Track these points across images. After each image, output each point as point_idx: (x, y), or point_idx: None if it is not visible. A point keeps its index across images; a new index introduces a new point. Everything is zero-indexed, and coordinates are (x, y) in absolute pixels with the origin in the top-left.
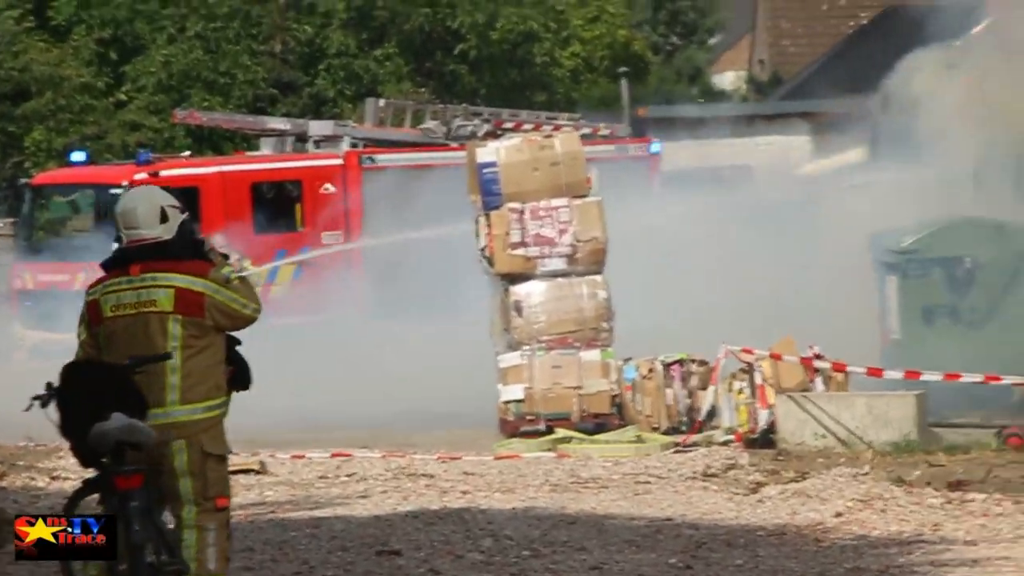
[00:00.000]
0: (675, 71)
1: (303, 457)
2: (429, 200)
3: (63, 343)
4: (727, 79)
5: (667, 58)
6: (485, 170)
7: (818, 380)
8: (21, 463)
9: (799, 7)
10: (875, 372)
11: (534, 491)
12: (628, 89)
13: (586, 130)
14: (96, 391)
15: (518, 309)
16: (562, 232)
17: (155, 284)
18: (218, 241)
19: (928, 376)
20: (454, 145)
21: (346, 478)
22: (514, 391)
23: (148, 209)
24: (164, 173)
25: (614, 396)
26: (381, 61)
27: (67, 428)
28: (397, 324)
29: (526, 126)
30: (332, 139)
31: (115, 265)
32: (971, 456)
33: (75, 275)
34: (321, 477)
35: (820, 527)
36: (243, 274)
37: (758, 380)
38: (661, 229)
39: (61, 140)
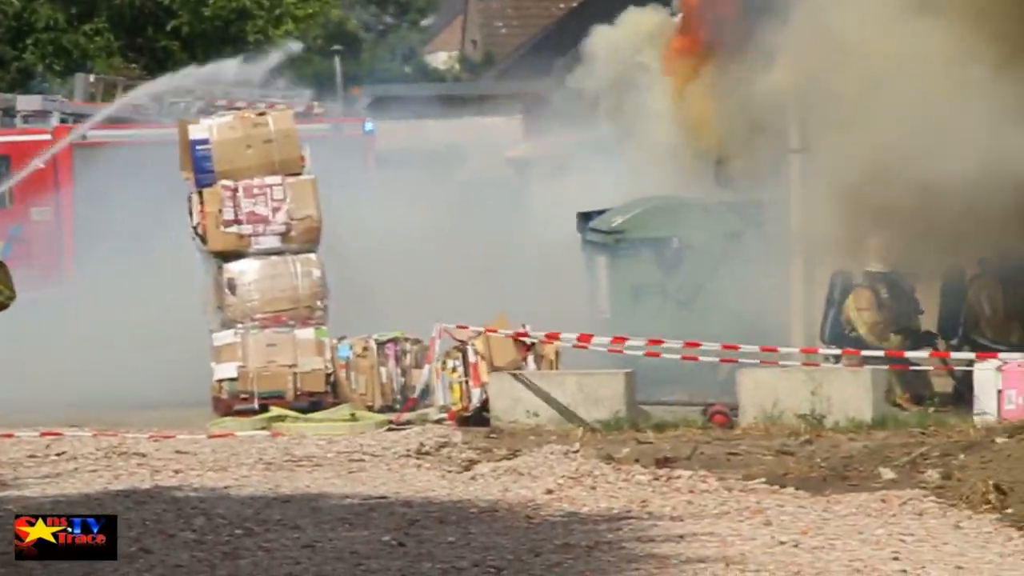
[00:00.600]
0: (389, 50)
1: (11, 436)
2: (141, 177)
3: None
4: (440, 59)
5: (380, 37)
6: (198, 147)
7: (530, 359)
8: None
9: None
10: (584, 337)
11: (247, 470)
12: (341, 68)
13: (300, 108)
14: None
15: (231, 287)
16: (276, 210)
17: None
18: None
19: (633, 345)
20: (167, 122)
21: (56, 457)
22: (227, 369)
23: None
24: None
25: (328, 374)
26: (91, 36)
27: None
28: (109, 302)
29: (239, 103)
30: (41, 114)
31: None
32: (678, 433)
33: None
34: (30, 456)
35: (531, 504)
36: None
37: (471, 358)
38: (375, 208)
39: None
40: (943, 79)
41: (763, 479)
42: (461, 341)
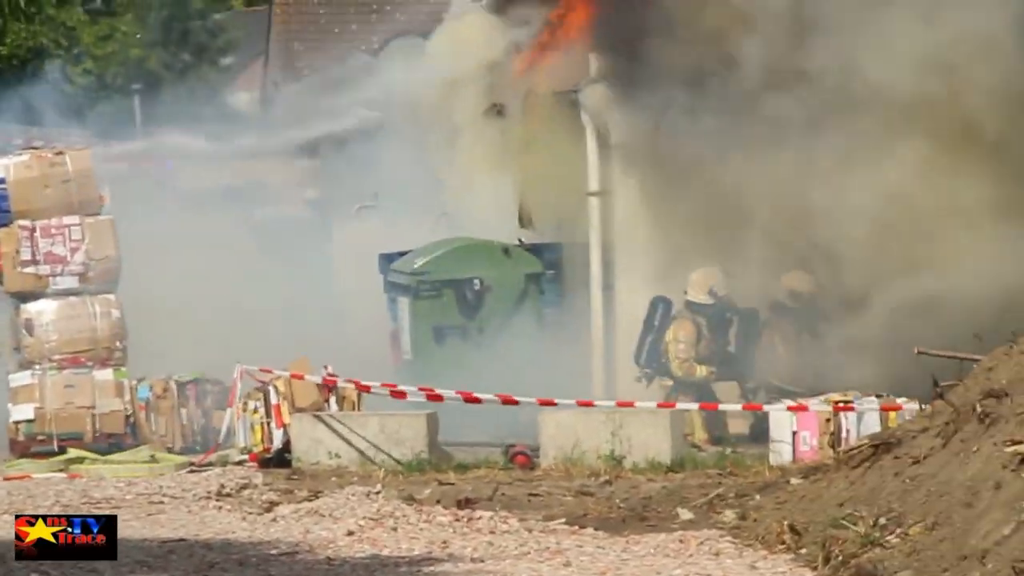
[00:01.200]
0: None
1: None
2: None
3: None
4: (242, 99)
5: (180, 76)
6: None
7: (332, 400)
8: None
9: (313, 30)
10: (397, 395)
11: (45, 512)
12: (140, 106)
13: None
14: None
15: (29, 328)
16: (74, 250)
17: None
18: None
19: (446, 394)
20: None
21: None
22: (24, 411)
23: None
24: None
25: (128, 416)
26: None
27: None
28: None
29: (36, 143)
30: None
31: None
32: (480, 474)
33: None
34: None
35: (332, 545)
36: None
37: (273, 400)
38: (175, 248)
39: None
40: None
41: (563, 520)
42: (263, 382)
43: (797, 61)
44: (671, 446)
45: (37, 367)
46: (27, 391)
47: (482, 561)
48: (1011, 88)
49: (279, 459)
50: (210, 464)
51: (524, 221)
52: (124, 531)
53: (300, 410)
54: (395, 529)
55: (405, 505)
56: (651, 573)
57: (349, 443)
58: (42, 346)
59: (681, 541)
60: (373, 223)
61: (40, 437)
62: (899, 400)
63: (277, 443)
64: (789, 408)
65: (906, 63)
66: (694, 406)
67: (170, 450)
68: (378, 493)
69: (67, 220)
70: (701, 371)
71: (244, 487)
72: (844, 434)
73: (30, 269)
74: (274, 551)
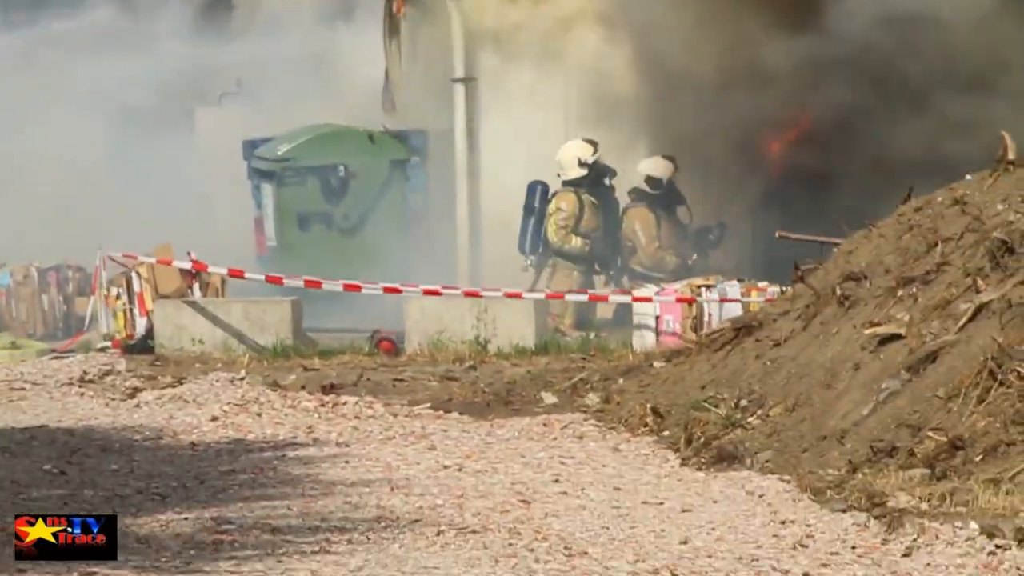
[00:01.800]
0: None
1: None
2: None
3: None
4: None
5: None
6: None
7: (196, 286)
8: None
9: None
10: (274, 280)
11: None
12: None
13: None
14: None
15: None
16: None
17: None
18: None
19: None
20: None
21: None
22: None
23: None
24: None
25: None
26: None
27: None
28: None
29: None
30: None
31: None
32: (345, 360)
33: None
34: None
35: (196, 431)
36: None
37: (136, 287)
38: (36, 131)
39: None
40: None
41: (428, 404)
42: (126, 267)
43: None
44: (535, 331)
45: None
46: None
47: (347, 445)
48: None
49: (142, 346)
50: (72, 351)
51: (387, 107)
52: None
53: (164, 297)
54: (259, 415)
55: (270, 391)
56: (515, 456)
57: (213, 329)
58: None
59: (545, 425)
60: (238, 108)
61: None
62: (761, 284)
63: (140, 330)
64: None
65: None
66: (559, 293)
67: (31, 336)
68: (242, 379)
69: None
70: (576, 242)
71: (107, 373)
72: (706, 318)
73: None
74: (138, 437)
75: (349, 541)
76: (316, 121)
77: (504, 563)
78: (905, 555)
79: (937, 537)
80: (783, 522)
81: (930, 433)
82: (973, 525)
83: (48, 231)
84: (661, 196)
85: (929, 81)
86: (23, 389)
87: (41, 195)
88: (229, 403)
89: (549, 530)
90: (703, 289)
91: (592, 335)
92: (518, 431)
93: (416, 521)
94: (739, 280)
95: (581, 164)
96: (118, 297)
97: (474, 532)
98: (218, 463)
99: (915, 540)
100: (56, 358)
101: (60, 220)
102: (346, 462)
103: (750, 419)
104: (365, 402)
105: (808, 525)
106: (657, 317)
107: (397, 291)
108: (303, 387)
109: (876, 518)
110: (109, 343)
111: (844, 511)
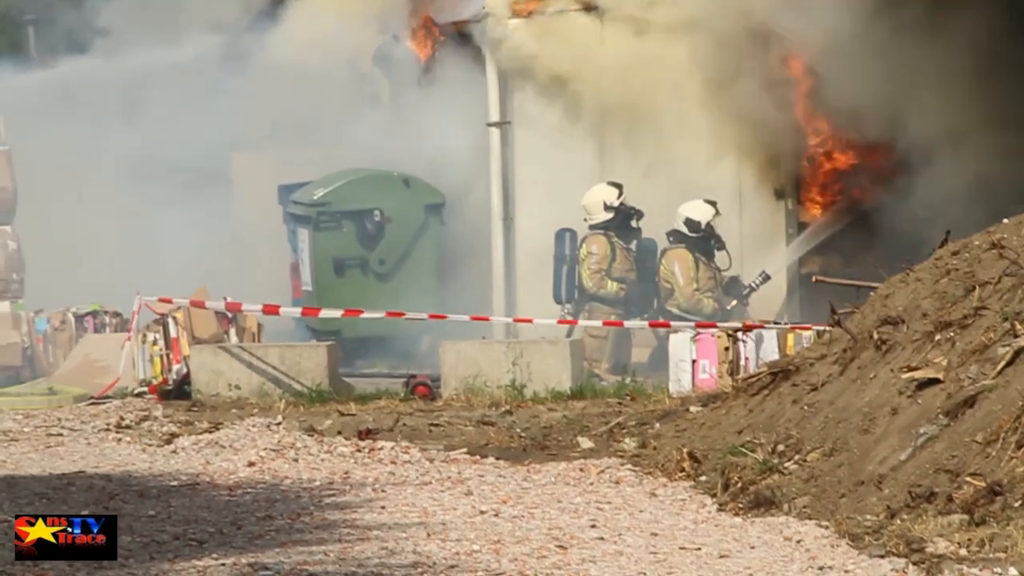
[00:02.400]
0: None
1: None
2: None
3: None
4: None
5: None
6: None
7: (232, 331)
8: None
9: None
10: (310, 312)
11: None
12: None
13: None
14: None
15: None
16: None
17: None
18: None
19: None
20: None
21: None
22: None
23: None
24: None
25: (25, 348)
26: None
27: None
28: None
29: None
30: None
31: None
32: (381, 405)
33: None
34: None
35: (233, 476)
36: None
37: (172, 331)
38: (75, 179)
39: None
40: None
41: (464, 449)
42: (161, 314)
43: None
44: (571, 375)
45: None
46: None
47: (383, 491)
48: None
49: (179, 391)
50: (109, 397)
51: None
52: (22, 463)
53: (200, 341)
54: (296, 460)
55: (306, 436)
56: (552, 501)
57: (249, 374)
58: None
59: (582, 469)
60: (272, 153)
61: None
62: (798, 328)
63: (176, 375)
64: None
65: None
66: (596, 323)
67: (68, 382)
68: (279, 424)
69: None
70: (612, 286)
71: (144, 419)
72: (743, 362)
73: None
74: (174, 482)
75: None
76: (351, 165)
77: None
78: None
79: None
80: (821, 568)
81: (968, 478)
82: (1012, 571)
83: (85, 277)
84: (700, 239)
85: None
86: (60, 435)
87: (78, 241)
88: (265, 448)
89: None
90: (740, 334)
91: (628, 379)
92: (555, 476)
93: (453, 567)
94: (775, 324)
95: (607, 208)
96: (154, 342)
97: None
98: (255, 509)
99: None
100: (93, 404)
101: (97, 266)
102: (382, 507)
103: (787, 464)
104: (401, 447)
105: (846, 571)
106: (694, 361)
107: (442, 317)
108: (339, 432)
109: (915, 564)
110: (146, 389)
111: (882, 557)
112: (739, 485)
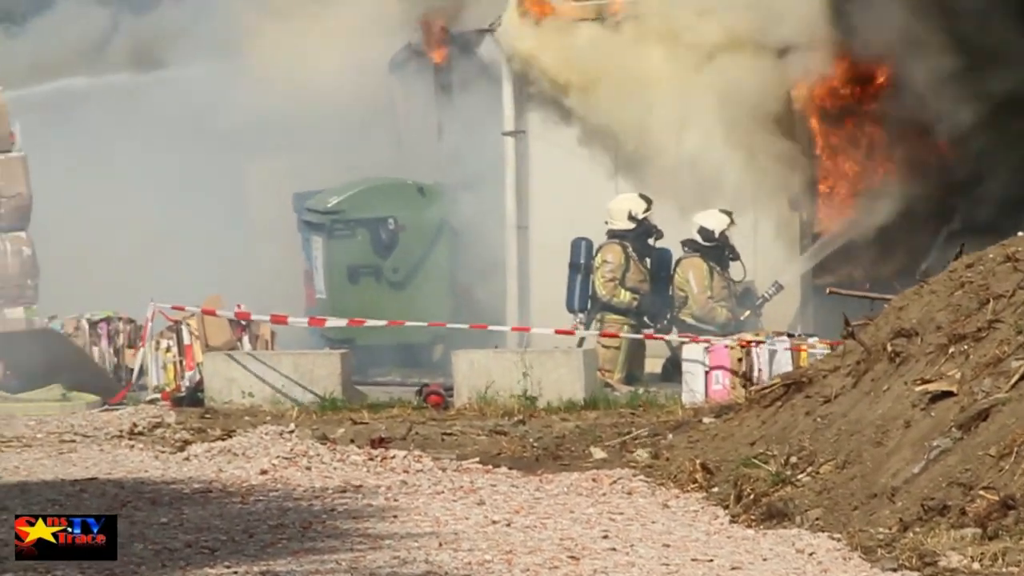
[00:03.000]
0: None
1: None
2: None
3: None
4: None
5: None
6: None
7: (245, 339)
8: None
9: None
10: (316, 322)
11: None
12: None
13: None
14: None
15: None
16: None
17: None
18: None
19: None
20: None
21: None
22: None
23: None
24: None
25: None
26: None
27: None
28: None
29: None
30: None
31: None
32: (393, 414)
33: None
34: None
35: (245, 484)
36: None
37: (185, 339)
38: (88, 184)
39: None
40: None
41: (477, 459)
42: (175, 321)
43: None
44: (584, 385)
45: None
46: None
47: (396, 500)
48: None
49: (191, 398)
50: (122, 403)
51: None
52: (35, 468)
53: (213, 349)
54: (308, 468)
55: (319, 444)
56: (564, 512)
57: (262, 382)
58: None
59: (594, 480)
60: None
61: None
62: (811, 340)
63: (189, 382)
64: (703, 348)
65: None
66: (593, 334)
67: (82, 388)
68: (291, 432)
69: None
70: (625, 296)
71: (156, 426)
72: (756, 373)
73: None
74: (187, 490)
75: None
76: (366, 173)
77: None
78: None
79: None
80: None
81: (982, 492)
82: None
83: (99, 283)
84: (714, 249)
85: None
86: (73, 441)
87: (91, 247)
88: (278, 456)
89: None
90: (754, 345)
91: (641, 390)
92: (567, 486)
93: None
94: (788, 335)
95: (631, 218)
96: (168, 349)
97: None
98: (267, 517)
99: None
100: (106, 410)
101: (110, 272)
102: (395, 516)
103: (800, 476)
104: (414, 456)
105: None
106: (707, 372)
107: (440, 324)
108: (352, 441)
109: None
110: (159, 395)
111: (895, 570)
112: (752, 497)
